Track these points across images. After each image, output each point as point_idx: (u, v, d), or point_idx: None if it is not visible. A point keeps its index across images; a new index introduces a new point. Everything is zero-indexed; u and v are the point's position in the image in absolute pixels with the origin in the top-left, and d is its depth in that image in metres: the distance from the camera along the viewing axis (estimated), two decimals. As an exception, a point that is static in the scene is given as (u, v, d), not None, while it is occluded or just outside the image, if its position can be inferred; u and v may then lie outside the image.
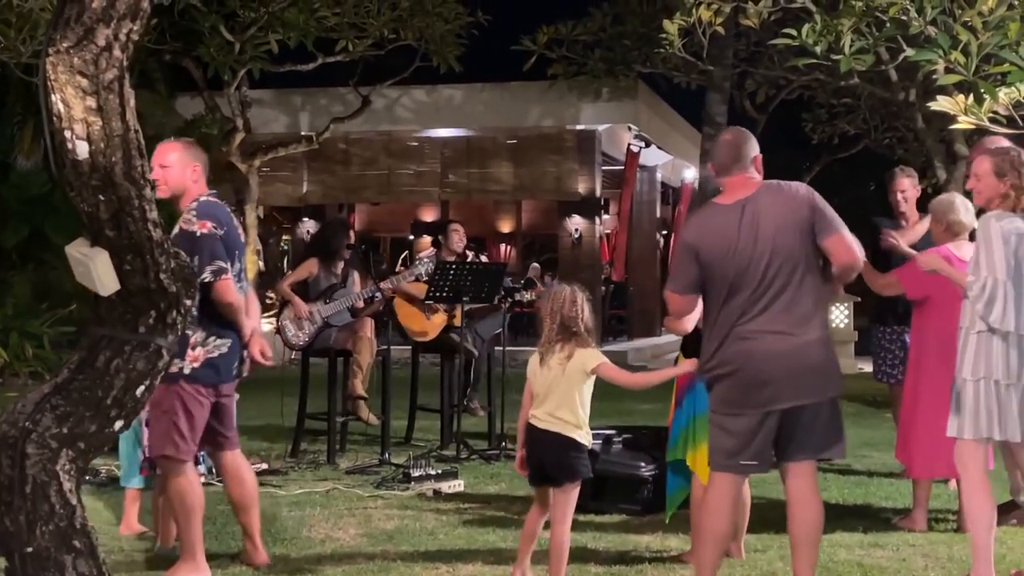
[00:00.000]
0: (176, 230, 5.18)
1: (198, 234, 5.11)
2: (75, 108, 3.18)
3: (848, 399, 12.61)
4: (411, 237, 26.18)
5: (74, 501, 3.36)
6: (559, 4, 18.75)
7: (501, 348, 9.36)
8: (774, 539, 5.82)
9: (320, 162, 20.98)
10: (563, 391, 5.06)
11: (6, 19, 10.93)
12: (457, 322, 9.10)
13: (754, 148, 4.88)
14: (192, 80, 17.64)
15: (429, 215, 26.14)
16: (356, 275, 9.02)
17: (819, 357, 4.65)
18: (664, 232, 25.86)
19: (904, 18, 8.81)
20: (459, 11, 17.21)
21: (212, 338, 5.13)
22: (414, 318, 9.37)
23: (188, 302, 3.45)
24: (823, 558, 5.60)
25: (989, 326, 4.98)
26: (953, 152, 13.49)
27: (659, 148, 22.03)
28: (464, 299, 8.76)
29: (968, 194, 5.60)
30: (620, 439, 6.92)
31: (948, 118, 7.86)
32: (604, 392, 5.44)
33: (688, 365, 5.06)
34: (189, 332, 4.87)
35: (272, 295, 16.74)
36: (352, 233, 9.22)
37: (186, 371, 5.07)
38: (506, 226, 27.67)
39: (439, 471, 7.53)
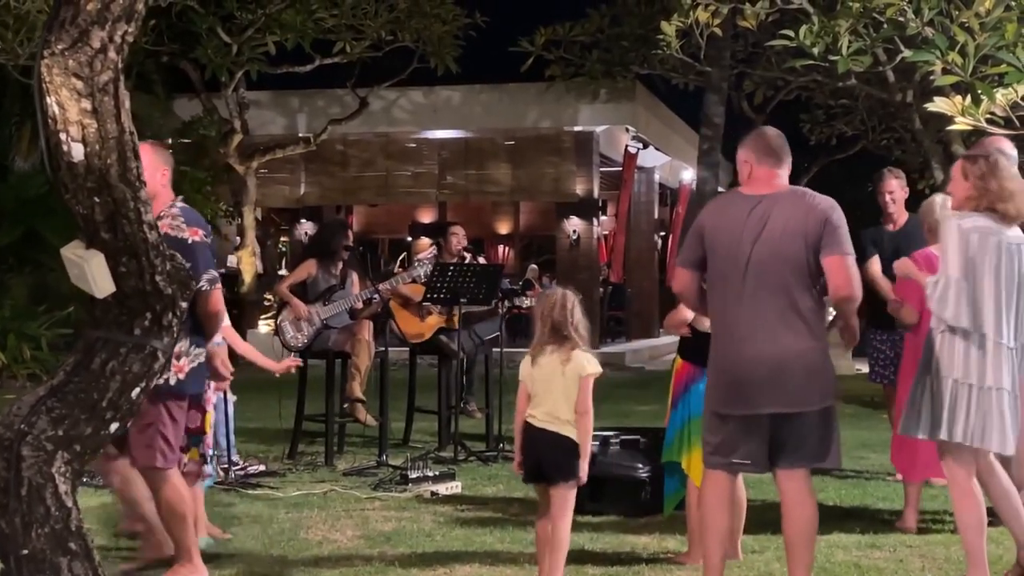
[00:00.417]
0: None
1: (190, 241, 5.00)
2: (70, 110, 3.18)
3: (846, 400, 12.63)
4: (409, 239, 26.17)
5: (70, 503, 3.36)
6: (557, 5, 18.78)
7: (499, 350, 9.36)
8: (771, 540, 5.82)
9: (318, 164, 20.97)
10: (561, 391, 5.07)
11: (3, 21, 10.95)
12: (455, 324, 9.10)
13: (790, 156, 4.85)
14: (190, 82, 17.65)
15: (427, 216, 26.14)
16: (355, 276, 9.02)
17: (810, 366, 4.62)
18: (662, 233, 25.87)
19: (901, 19, 8.82)
20: (457, 12, 17.22)
21: (193, 347, 5.11)
22: (409, 320, 9.37)
23: (183, 304, 3.45)
24: (820, 559, 5.60)
25: (947, 325, 4.99)
26: (951, 153, 13.49)
27: (657, 149, 22.03)
28: (461, 300, 8.77)
29: None
30: (618, 441, 6.92)
31: (945, 119, 7.86)
32: (603, 394, 5.45)
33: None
34: None
35: (270, 297, 16.76)
36: (351, 234, 9.22)
37: (172, 382, 4.99)
38: (504, 227, 27.66)
39: (437, 473, 7.53)
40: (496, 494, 7.38)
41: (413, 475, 7.38)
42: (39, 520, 3.29)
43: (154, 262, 3.35)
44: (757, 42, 15.92)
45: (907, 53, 8.71)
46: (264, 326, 18.42)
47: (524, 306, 10.00)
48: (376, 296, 8.80)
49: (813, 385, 4.64)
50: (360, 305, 8.87)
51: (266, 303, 19.03)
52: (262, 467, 7.95)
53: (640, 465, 6.74)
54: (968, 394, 4.98)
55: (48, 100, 3.18)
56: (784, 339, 4.60)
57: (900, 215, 7.75)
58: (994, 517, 5.28)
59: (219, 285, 5.15)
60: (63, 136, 3.20)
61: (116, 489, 5.56)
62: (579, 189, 20.37)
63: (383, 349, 8.74)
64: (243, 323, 17.45)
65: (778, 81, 17.62)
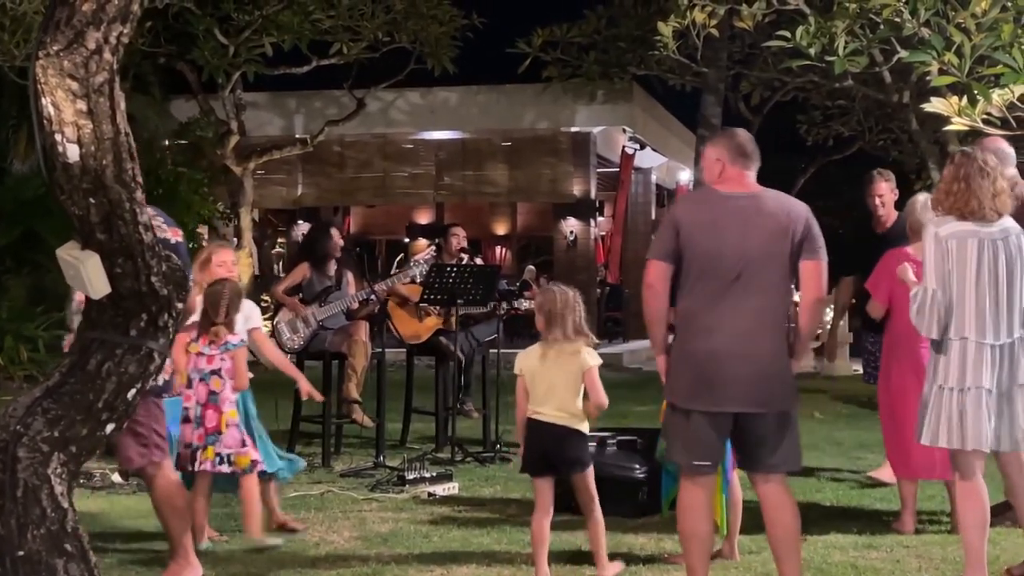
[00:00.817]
0: None
1: (173, 241, 4.83)
2: (65, 111, 3.18)
3: (843, 400, 12.64)
4: (406, 239, 26.17)
5: (65, 504, 3.35)
6: (554, 6, 18.78)
7: (496, 351, 9.36)
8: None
9: (315, 165, 20.97)
10: (569, 386, 5.19)
11: (0, 22, 10.94)
12: (452, 325, 9.09)
13: (759, 159, 4.93)
14: (187, 83, 17.64)
15: (424, 217, 26.14)
16: (350, 276, 9.02)
17: (781, 368, 4.67)
18: (659, 234, 25.84)
19: (897, 20, 8.82)
20: (454, 13, 17.22)
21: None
22: (406, 320, 9.37)
23: (179, 305, 3.44)
24: (817, 559, 5.61)
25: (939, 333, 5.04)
26: (947, 153, 13.48)
27: (654, 150, 22.05)
28: (459, 302, 8.77)
29: None
30: (614, 441, 6.92)
31: (942, 120, 7.85)
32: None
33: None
34: None
35: (267, 298, 16.75)
36: (336, 232, 9.17)
37: (160, 383, 4.97)
38: (501, 228, 27.66)
39: (434, 474, 7.52)
40: (493, 495, 7.38)
41: (410, 476, 7.38)
42: (35, 521, 3.29)
43: (150, 263, 3.35)
44: (754, 43, 15.93)
45: (903, 54, 8.71)
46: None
47: (522, 308, 10.01)
48: (372, 296, 8.79)
49: (784, 387, 4.69)
50: (356, 305, 8.87)
51: (263, 304, 19.01)
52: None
53: (637, 466, 6.74)
54: (949, 399, 5.01)
55: (43, 101, 3.18)
56: (763, 339, 4.63)
57: (889, 217, 7.80)
58: (994, 517, 5.29)
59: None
60: (58, 137, 3.19)
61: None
62: (576, 190, 20.37)
63: (380, 350, 8.74)
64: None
65: (775, 82, 17.63)
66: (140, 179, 3.32)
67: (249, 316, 6.46)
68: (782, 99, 19.14)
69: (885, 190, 7.85)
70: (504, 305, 9.29)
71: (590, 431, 5.43)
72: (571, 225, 20.73)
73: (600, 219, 23.11)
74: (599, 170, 21.28)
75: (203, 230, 15.94)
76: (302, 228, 21.62)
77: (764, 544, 5.78)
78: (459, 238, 10.09)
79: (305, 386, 6.92)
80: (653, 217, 24.50)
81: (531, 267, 24.89)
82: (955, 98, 7.33)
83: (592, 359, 5.22)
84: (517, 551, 5.83)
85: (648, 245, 22.08)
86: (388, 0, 16.78)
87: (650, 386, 13.00)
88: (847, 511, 6.89)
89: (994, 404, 5.02)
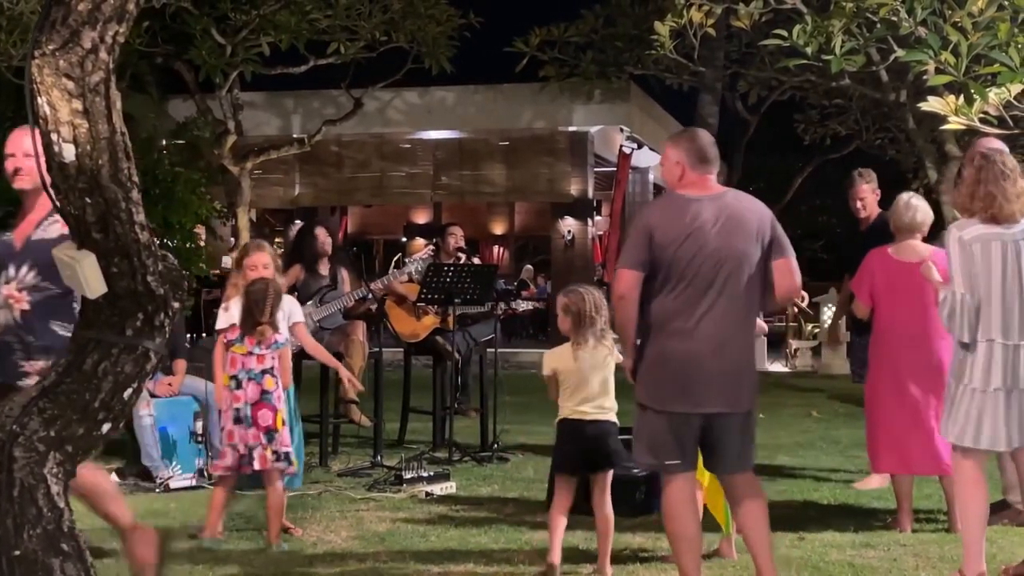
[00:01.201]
0: (64, 231, 4.30)
1: None
2: (61, 111, 3.17)
3: (840, 399, 12.64)
4: (404, 239, 26.17)
5: (62, 504, 3.34)
6: (551, 6, 18.79)
7: (493, 350, 9.36)
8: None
9: (312, 164, 20.96)
10: (605, 382, 5.35)
11: (-4, 22, 10.93)
12: (450, 325, 9.09)
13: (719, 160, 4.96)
14: (184, 83, 17.61)
15: (422, 217, 26.14)
16: (344, 273, 9.01)
17: (747, 369, 4.75)
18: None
19: (894, 19, 8.81)
20: (451, 13, 17.20)
21: None
22: (404, 319, 9.36)
23: (176, 305, 3.44)
24: (815, 558, 5.61)
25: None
26: (944, 152, 13.53)
27: (651, 150, 22.02)
28: (456, 301, 8.77)
29: None
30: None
31: (939, 119, 7.85)
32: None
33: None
34: None
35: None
36: (322, 231, 9.13)
37: None
38: (499, 228, 27.67)
39: (431, 473, 7.52)
40: (490, 494, 7.38)
41: (408, 475, 7.38)
42: (31, 521, 3.28)
43: (146, 262, 3.34)
44: (751, 42, 15.94)
45: (900, 53, 8.71)
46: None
47: (519, 309, 10.02)
48: (369, 295, 8.79)
49: (751, 387, 4.78)
50: (353, 303, 8.87)
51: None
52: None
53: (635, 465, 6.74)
54: (970, 398, 5.02)
55: (39, 101, 3.17)
56: (736, 340, 4.69)
57: (871, 215, 7.87)
58: (991, 515, 5.30)
59: None
60: (54, 136, 3.18)
61: None
62: (574, 189, 20.37)
63: (377, 350, 8.74)
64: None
65: (772, 81, 17.63)
66: (136, 179, 3.31)
67: (291, 312, 6.48)
68: (779, 98, 19.16)
69: (866, 192, 7.94)
70: (502, 305, 9.29)
71: None
72: (569, 224, 20.74)
73: (598, 218, 23.12)
74: (596, 169, 21.28)
75: (200, 230, 15.91)
76: (299, 228, 21.60)
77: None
78: (456, 237, 10.09)
79: (345, 374, 7.00)
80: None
81: (529, 266, 24.91)
82: (952, 97, 7.33)
83: (618, 356, 5.38)
84: (514, 550, 5.83)
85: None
86: (385, 0, 16.77)
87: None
88: (844, 510, 6.89)
89: (1015, 403, 5.04)
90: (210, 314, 15.38)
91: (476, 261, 10.63)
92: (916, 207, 6.45)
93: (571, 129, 20.14)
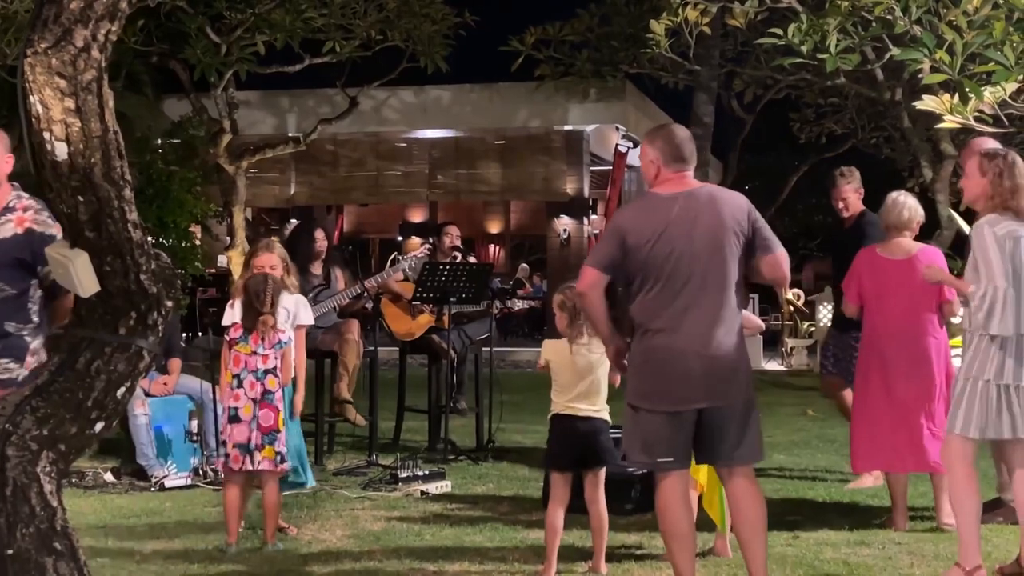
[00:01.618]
0: (19, 230, 4.51)
1: (59, 237, 4.09)
2: (53, 109, 3.17)
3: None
4: (400, 238, 26.17)
5: (55, 503, 3.34)
6: (546, 5, 18.76)
7: (489, 349, 9.35)
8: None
9: (308, 163, 20.94)
10: (601, 379, 5.37)
11: (-9, 21, 10.91)
12: (445, 324, 9.09)
13: (696, 155, 4.95)
14: (179, 82, 17.59)
15: (417, 216, 26.13)
16: (338, 273, 9.01)
17: (737, 360, 4.71)
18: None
19: (889, 17, 8.80)
20: (446, 12, 17.18)
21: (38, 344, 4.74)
22: (399, 318, 9.36)
23: (169, 303, 3.43)
24: (809, 557, 5.62)
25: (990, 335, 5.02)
26: (939, 151, 13.52)
27: (647, 148, 22.02)
28: (451, 300, 8.77)
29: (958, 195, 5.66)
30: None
31: (934, 117, 7.85)
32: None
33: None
34: (29, 338, 4.48)
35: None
36: (321, 234, 9.13)
37: (19, 379, 4.51)
38: (495, 227, 27.67)
39: (426, 472, 7.52)
40: (486, 493, 7.38)
41: (403, 474, 7.38)
42: (24, 520, 3.28)
43: (139, 261, 3.34)
44: (746, 41, 15.93)
45: (895, 51, 8.70)
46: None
47: (515, 308, 10.01)
48: (364, 293, 8.78)
49: (744, 377, 4.73)
50: (347, 302, 8.86)
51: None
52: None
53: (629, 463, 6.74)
54: (1008, 394, 5.00)
55: (32, 99, 3.17)
56: (719, 335, 4.66)
57: (854, 214, 7.89)
58: (986, 514, 5.30)
59: None
60: (47, 135, 3.18)
61: None
62: (569, 188, 20.37)
63: (372, 349, 8.73)
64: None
65: (767, 80, 17.63)
66: (129, 177, 3.31)
67: (296, 313, 6.46)
68: (775, 97, 19.14)
69: (848, 192, 7.97)
70: (497, 304, 9.29)
71: None
72: (564, 223, 20.73)
73: (593, 217, 23.10)
74: (592, 168, 21.28)
75: (196, 229, 15.91)
76: (295, 228, 21.58)
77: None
78: (452, 237, 10.08)
79: (298, 401, 6.51)
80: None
81: (524, 265, 24.91)
82: (947, 96, 7.33)
83: None
84: (510, 549, 5.83)
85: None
86: (380, -1, 16.78)
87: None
88: (839, 508, 6.90)
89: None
90: (206, 313, 15.39)
91: (472, 260, 10.63)
92: (904, 204, 6.46)
93: (567, 128, 20.13)
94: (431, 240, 10.23)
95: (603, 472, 5.45)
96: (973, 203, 5.26)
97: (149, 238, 3.50)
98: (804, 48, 9.53)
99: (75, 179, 3.22)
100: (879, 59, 11.16)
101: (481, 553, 5.76)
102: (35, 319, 4.42)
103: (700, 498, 5.60)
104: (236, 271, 18.25)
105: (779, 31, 9.67)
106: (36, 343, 4.53)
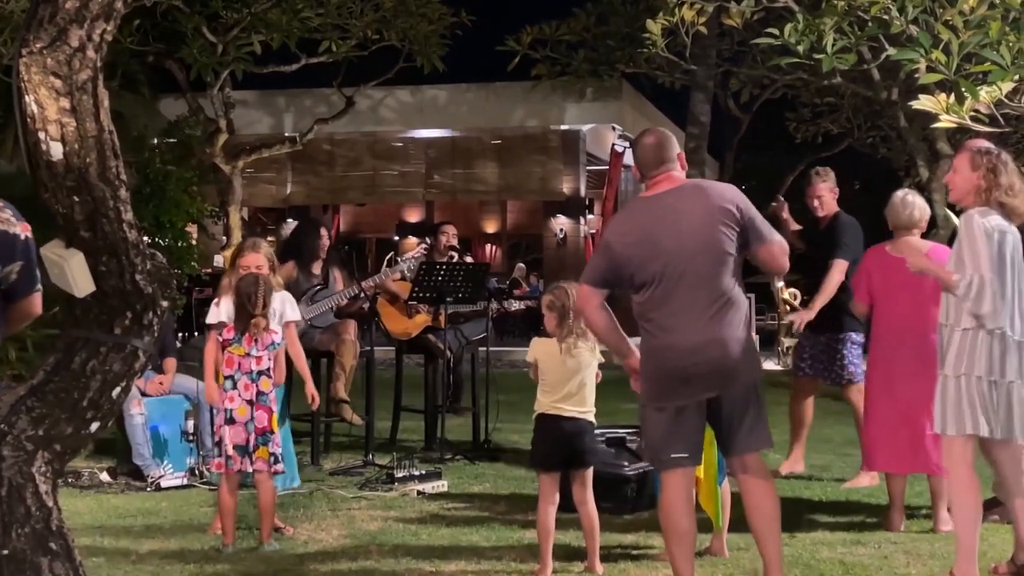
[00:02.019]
0: None
1: (23, 237, 4.02)
2: (49, 109, 3.17)
3: (832, 397, 12.62)
4: (396, 238, 26.17)
5: (50, 503, 3.34)
6: (543, 4, 18.79)
7: (485, 349, 9.35)
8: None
9: (304, 163, 20.95)
10: (587, 380, 5.35)
11: (-13, 21, 10.90)
12: (441, 323, 9.09)
13: (676, 147, 4.92)
14: (175, 81, 17.61)
15: (414, 216, 26.13)
16: (337, 274, 9.00)
17: (738, 350, 4.67)
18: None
19: (886, 17, 8.81)
20: (443, 11, 17.21)
21: None
22: (396, 317, 9.36)
23: (164, 303, 3.43)
24: (806, 556, 5.61)
25: (978, 323, 4.99)
26: (935, 150, 13.54)
27: (644, 148, 22.03)
28: (448, 300, 8.77)
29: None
30: (603, 438, 6.92)
31: (930, 117, 7.85)
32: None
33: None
34: None
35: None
36: (324, 232, 9.14)
37: None
38: (491, 226, 27.67)
39: (423, 472, 7.52)
40: (482, 492, 7.38)
41: (399, 474, 7.37)
42: (19, 520, 3.27)
43: (134, 261, 3.34)
44: (743, 40, 15.95)
45: (891, 51, 8.70)
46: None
47: (511, 307, 10.00)
48: (362, 294, 8.78)
49: (742, 368, 4.69)
50: (345, 302, 8.86)
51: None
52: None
53: (625, 463, 6.75)
54: (993, 391, 5.00)
55: (27, 99, 3.17)
56: (719, 326, 4.64)
57: (829, 214, 7.90)
58: (982, 512, 5.30)
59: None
60: (42, 135, 3.18)
61: None
62: (566, 188, 20.39)
63: (369, 349, 8.73)
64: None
65: (764, 79, 17.66)
66: (124, 177, 3.30)
67: (283, 312, 6.46)
68: (771, 97, 19.18)
69: (823, 190, 7.99)
70: (494, 304, 9.29)
71: None
72: (561, 223, 20.75)
73: (590, 217, 23.12)
74: (588, 168, 21.30)
75: (192, 229, 15.91)
76: (291, 226, 21.58)
77: (752, 541, 5.79)
78: (449, 236, 10.08)
79: (310, 388, 6.74)
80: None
81: (521, 265, 24.90)
82: (943, 95, 7.33)
83: (599, 354, 5.41)
84: (506, 548, 5.83)
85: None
86: (377, -2, 16.79)
87: (640, 384, 13.01)
88: (835, 507, 6.90)
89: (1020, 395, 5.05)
90: (202, 313, 15.36)
91: (468, 260, 10.62)
92: (914, 204, 6.44)
93: (563, 127, 20.16)
94: (427, 240, 10.22)
95: (590, 472, 5.43)
96: (961, 199, 5.23)
97: (145, 238, 3.50)
98: (800, 48, 9.53)
99: (70, 179, 3.21)
100: (875, 59, 11.18)
101: (478, 553, 5.76)
102: None
103: (696, 496, 5.60)
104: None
105: (775, 31, 9.68)
106: None
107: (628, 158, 21.91)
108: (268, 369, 5.95)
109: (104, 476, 7.77)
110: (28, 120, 3.21)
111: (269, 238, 24.26)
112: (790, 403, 8.18)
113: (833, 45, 9.47)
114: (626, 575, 5.43)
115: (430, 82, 19.04)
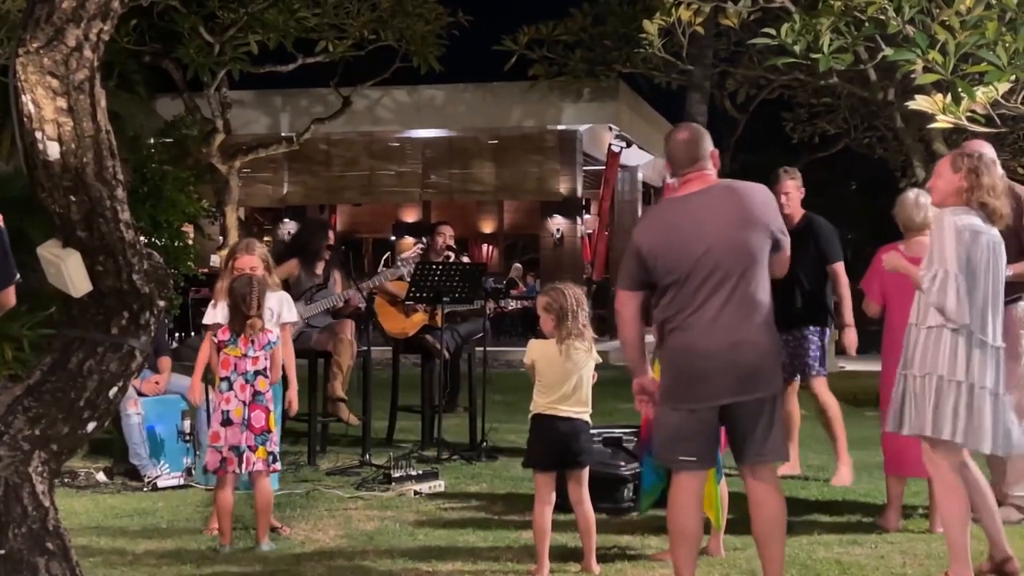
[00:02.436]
0: None
1: None
2: (46, 109, 3.17)
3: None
4: (393, 238, 26.16)
5: (47, 503, 3.34)
6: (540, 4, 18.78)
7: (482, 349, 9.35)
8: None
9: (301, 163, 20.93)
10: (584, 380, 5.36)
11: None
12: (438, 323, 9.08)
13: (709, 144, 4.84)
14: (172, 81, 17.59)
15: (411, 216, 26.12)
16: (337, 276, 9.00)
17: (759, 357, 4.64)
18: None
19: (882, 17, 8.82)
20: (439, 11, 17.20)
21: None
22: (393, 316, 9.35)
23: (161, 303, 3.43)
24: (802, 556, 5.62)
25: (943, 320, 4.99)
26: (932, 151, 13.55)
27: (640, 148, 22.06)
28: (445, 299, 8.76)
29: None
30: (600, 438, 6.92)
31: (926, 117, 7.87)
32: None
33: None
34: None
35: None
36: (332, 233, 9.20)
37: None
38: (488, 226, 27.66)
39: (420, 472, 7.51)
40: (479, 492, 7.38)
41: (396, 474, 7.37)
42: (16, 520, 3.27)
43: (131, 261, 3.34)
44: (739, 41, 15.96)
45: (888, 51, 8.72)
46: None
47: (508, 307, 10.01)
48: (358, 297, 8.78)
49: (764, 374, 4.66)
50: (343, 304, 8.86)
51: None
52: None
53: (622, 463, 6.75)
54: (957, 392, 4.99)
55: (23, 99, 3.17)
56: (743, 329, 4.60)
57: (796, 214, 7.91)
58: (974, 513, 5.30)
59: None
60: (39, 135, 3.18)
61: None
62: (563, 188, 20.38)
63: (366, 348, 8.73)
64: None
65: (760, 80, 17.66)
66: (121, 177, 3.31)
67: (280, 312, 6.47)
68: (768, 97, 19.18)
69: (791, 188, 8.00)
70: (491, 303, 9.28)
71: None
72: (558, 223, 20.74)
73: (586, 217, 23.13)
74: (585, 168, 21.29)
75: (189, 228, 15.89)
76: (288, 226, 21.59)
77: (749, 541, 5.77)
78: (446, 236, 10.07)
79: (292, 395, 6.70)
80: (639, 215, 24.53)
81: (518, 265, 24.90)
82: (939, 96, 7.35)
83: (596, 355, 5.42)
84: (503, 548, 5.83)
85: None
86: (373, -2, 16.79)
87: (636, 384, 13.01)
88: (831, 507, 6.90)
89: (997, 406, 5.03)
90: (198, 313, 15.35)
91: (465, 259, 10.62)
92: (926, 205, 6.41)
93: (560, 128, 20.15)
94: (424, 240, 10.22)
95: (586, 473, 5.43)
96: (942, 201, 5.21)
97: (142, 238, 3.50)
98: (797, 48, 9.54)
99: (67, 179, 3.22)
100: (872, 59, 11.18)
101: (474, 553, 5.76)
102: None
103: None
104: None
105: (772, 31, 9.69)
106: None
107: (625, 158, 21.94)
108: (265, 369, 5.95)
109: (100, 476, 7.77)
110: (25, 120, 3.21)
111: (266, 238, 24.27)
112: None
113: (830, 45, 9.48)
114: (623, 575, 5.43)
115: (427, 82, 19.03)
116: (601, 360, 5.46)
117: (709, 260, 4.59)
